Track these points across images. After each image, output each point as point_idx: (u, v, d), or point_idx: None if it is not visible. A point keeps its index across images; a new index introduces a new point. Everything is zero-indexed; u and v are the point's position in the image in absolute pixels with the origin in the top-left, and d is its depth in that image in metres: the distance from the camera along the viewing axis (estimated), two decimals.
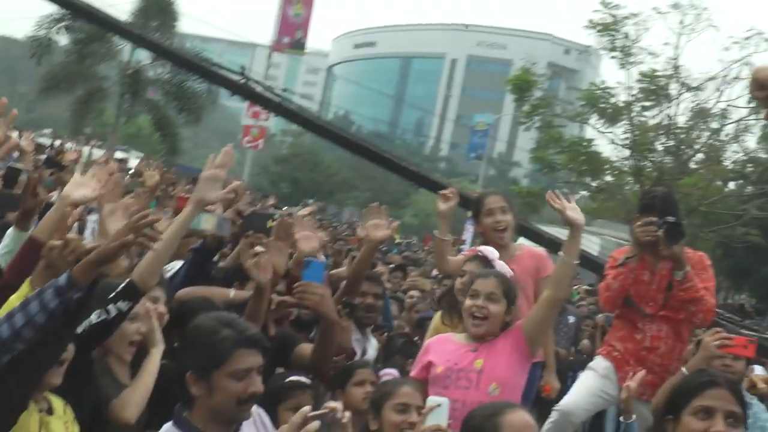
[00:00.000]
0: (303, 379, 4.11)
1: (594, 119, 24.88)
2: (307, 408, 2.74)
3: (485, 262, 5.10)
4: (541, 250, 6.57)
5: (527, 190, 27.03)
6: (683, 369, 4.81)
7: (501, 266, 5.03)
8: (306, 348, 4.71)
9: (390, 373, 4.76)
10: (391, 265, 11.14)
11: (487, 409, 3.32)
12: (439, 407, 3.63)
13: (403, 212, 47.91)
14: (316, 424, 2.68)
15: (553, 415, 5.43)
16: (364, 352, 5.67)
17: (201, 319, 3.11)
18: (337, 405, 2.91)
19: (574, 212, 4.53)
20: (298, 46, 40.85)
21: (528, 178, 50.96)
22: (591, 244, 22.62)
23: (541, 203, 27.66)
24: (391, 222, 5.38)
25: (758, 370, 9.22)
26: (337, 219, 40.89)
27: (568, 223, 4.54)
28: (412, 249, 15.55)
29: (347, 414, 2.96)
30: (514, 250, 5.69)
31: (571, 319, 9.13)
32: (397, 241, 19.97)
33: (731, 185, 28.68)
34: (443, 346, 4.46)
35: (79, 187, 4.12)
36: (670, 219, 5.25)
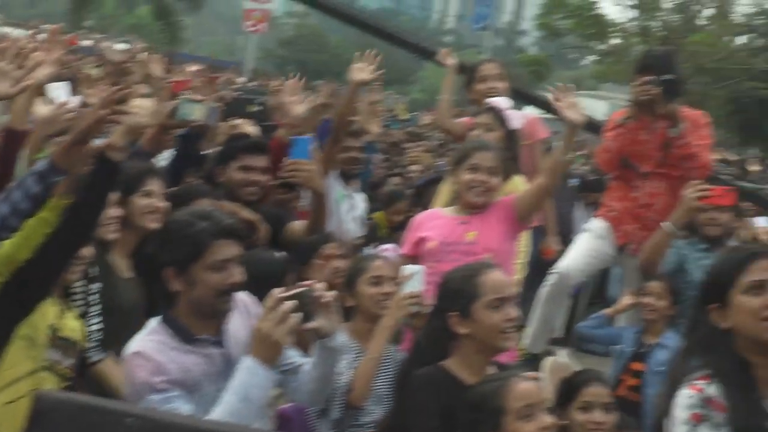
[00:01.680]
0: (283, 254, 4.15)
1: None
2: (279, 290, 2.75)
3: (497, 113, 5.10)
4: (533, 114, 6.57)
5: (533, 58, 26.75)
6: (663, 224, 4.84)
7: (514, 115, 5.04)
8: (297, 225, 4.75)
9: (388, 248, 4.80)
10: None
11: (464, 271, 3.36)
12: (415, 275, 3.69)
13: (411, 88, 47.53)
14: (289, 304, 2.70)
15: (551, 278, 5.51)
16: (352, 207, 5.71)
17: (176, 214, 3.10)
18: (315, 282, 2.94)
19: (574, 112, 4.47)
20: None
21: (536, 46, 50.22)
22: (599, 107, 22.50)
23: (547, 71, 27.43)
24: (377, 70, 5.35)
25: (762, 221, 9.29)
26: None
27: (567, 122, 4.49)
28: (418, 124, 15.40)
29: (330, 293, 2.99)
30: None
31: (573, 182, 9.13)
32: (405, 117, 19.87)
33: (740, 40, 28.22)
34: (433, 221, 4.49)
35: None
36: (667, 77, 5.22)
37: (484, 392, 2.95)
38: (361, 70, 5.29)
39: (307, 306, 2.83)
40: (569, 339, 7.53)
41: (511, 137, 4.98)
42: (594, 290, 8.90)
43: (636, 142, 5.43)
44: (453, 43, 67.52)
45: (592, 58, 29.48)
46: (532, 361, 5.35)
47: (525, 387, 2.92)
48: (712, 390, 2.54)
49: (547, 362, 5.22)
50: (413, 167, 9.33)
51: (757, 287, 2.62)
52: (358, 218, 5.74)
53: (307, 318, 2.83)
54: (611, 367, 5.07)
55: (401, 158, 10.31)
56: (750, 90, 24.28)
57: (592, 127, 6.76)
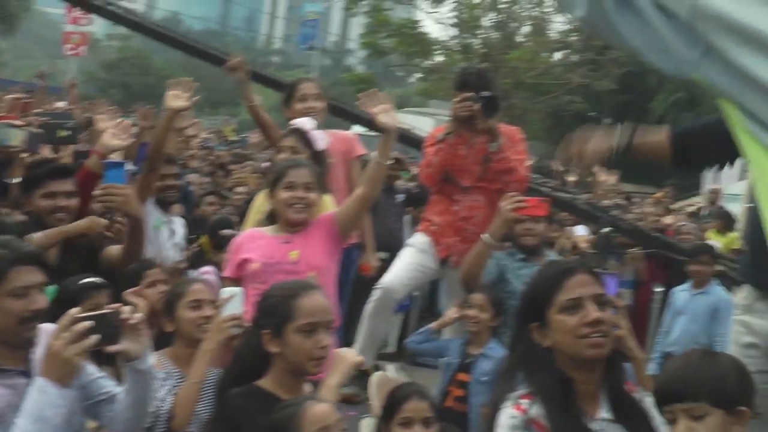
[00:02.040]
0: (97, 279, 4.01)
1: (420, 0, 24.89)
2: (75, 309, 2.69)
3: (302, 135, 5.08)
4: (349, 132, 6.61)
5: (359, 77, 27.01)
6: (482, 236, 4.94)
7: (317, 136, 5.02)
8: (113, 249, 4.60)
9: (208, 271, 4.70)
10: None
11: (282, 290, 3.31)
12: (234, 297, 3.63)
13: (240, 109, 47.15)
14: (85, 324, 2.63)
15: (376, 293, 5.54)
16: (172, 233, 5.65)
17: None
18: (122, 306, 2.85)
19: (387, 117, 4.52)
20: None
21: (363, 64, 50.90)
22: (426, 124, 22.91)
23: (373, 89, 27.83)
24: (193, 96, 5.25)
25: (581, 230, 9.66)
26: None
27: (381, 127, 4.52)
28: (245, 146, 15.25)
29: (138, 315, 2.90)
30: None
31: (400, 197, 9.22)
32: (233, 138, 19.70)
33: (557, 56, 29.41)
34: (255, 242, 4.43)
35: None
36: (486, 93, 5.36)
37: (280, 418, 2.90)
38: (177, 97, 5.16)
39: (115, 328, 2.75)
40: (402, 353, 7.60)
41: (317, 158, 4.97)
42: (425, 304, 9.03)
43: (456, 156, 5.53)
44: (281, 64, 67.58)
45: (417, 75, 30.06)
46: (361, 377, 5.35)
47: (319, 410, 2.88)
48: (535, 410, 2.58)
49: (375, 377, 5.21)
50: (239, 189, 9.21)
51: (572, 306, 2.67)
52: (177, 244, 5.64)
53: (113, 341, 2.76)
54: (440, 379, 5.12)
55: (226, 180, 10.18)
56: (567, 104, 25.34)
57: (418, 143, 6.87)
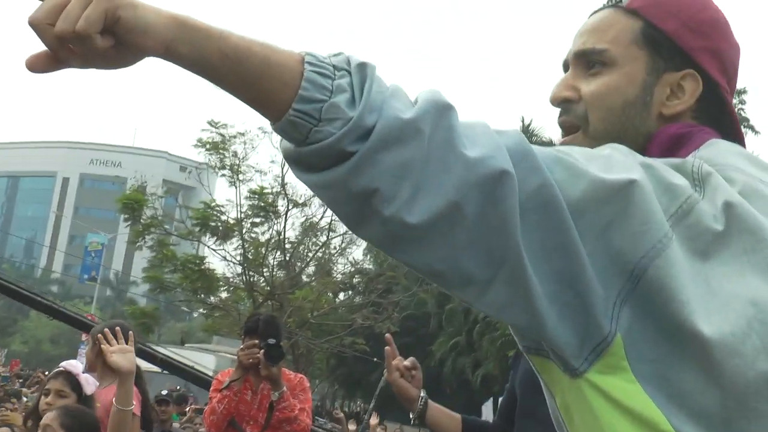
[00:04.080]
0: None
1: (207, 237, 24.97)
2: None
3: (69, 377, 4.78)
4: None
5: (142, 311, 26.38)
6: None
7: (86, 379, 4.74)
8: None
9: None
10: None
11: None
12: None
13: (11, 340, 44.99)
14: None
15: None
16: None
17: None
18: None
19: (120, 356, 4.30)
20: None
21: (146, 297, 50.20)
22: (208, 361, 22.44)
23: (156, 323, 27.14)
24: None
25: None
26: None
27: (115, 368, 4.31)
28: (15, 380, 14.34)
29: None
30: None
31: None
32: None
33: (341, 296, 30.00)
34: None
35: None
36: (271, 341, 5.34)
37: None
38: None
39: None
40: None
41: (85, 402, 4.69)
42: None
43: (242, 402, 5.41)
44: (59, 294, 65.50)
45: (201, 311, 29.71)
46: None
47: None
48: None
49: None
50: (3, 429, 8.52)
51: None
52: None
53: None
54: None
55: None
56: (350, 345, 25.61)
57: (201, 381, 6.65)
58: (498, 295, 1.23)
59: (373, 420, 10.83)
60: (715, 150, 1.44)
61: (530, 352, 1.37)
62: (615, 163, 1.28)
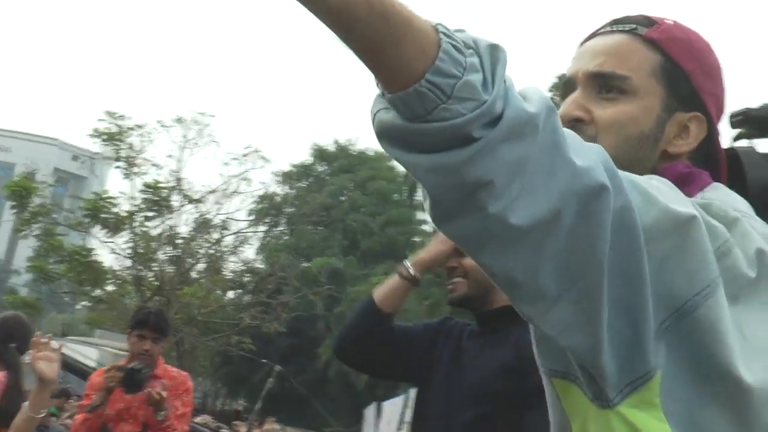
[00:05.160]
0: None
1: (97, 229, 24.51)
2: None
3: None
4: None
5: (22, 300, 25.74)
6: None
7: None
8: None
9: None
10: None
11: None
12: None
13: None
14: None
15: None
16: None
17: None
18: None
19: (46, 365, 4.21)
20: None
21: (27, 287, 48.82)
22: (90, 353, 22.03)
23: (38, 314, 26.50)
24: None
25: None
26: None
27: (38, 376, 4.23)
28: None
29: None
30: None
31: None
32: None
33: (230, 294, 29.83)
34: None
35: None
36: (136, 366, 5.28)
37: None
38: None
39: None
40: None
41: None
42: None
43: (120, 401, 5.36)
44: None
45: (85, 303, 29.14)
46: None
47: None
48: None
49: None
50: None
51: None
52: None
53: None
54: None
55: None
56: (237, 344, 25.50)
57: (82, 373, 6.60)
58: (563, 315, 1.18)
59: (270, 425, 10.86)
60: (722, 194, 1.43)
61: (555, 375, 1.34)
62: (671, 196, 1.26)
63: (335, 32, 1.06)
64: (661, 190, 1.25)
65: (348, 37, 1.06)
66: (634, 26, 1.52)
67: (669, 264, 1.20)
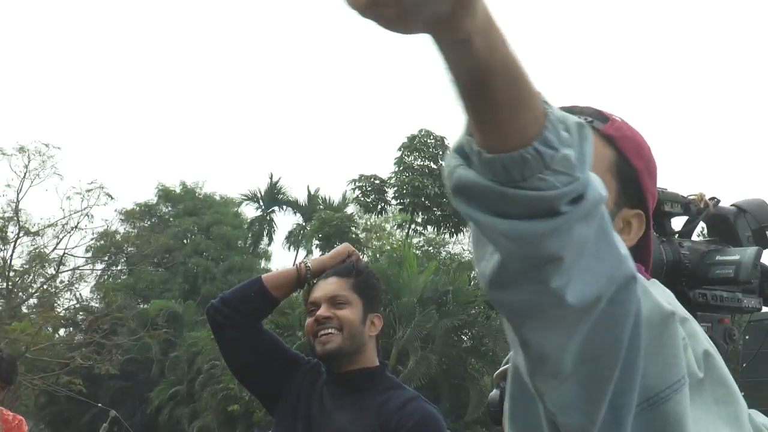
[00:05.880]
0: None
1: None
2: None
3: None
4: None
5: None
6: None
7: None
8: None
9: None
10: None
11: None
12: None
13: None
14: None
15: None
16: None
17: None
18: None
19: None
20: None
21: None
22: None
23: None
24: None
25: None
26: None
27: None
28: None
29: None
30: None
31: None
32: None
33: (61, 332, 28.88)
34: None
35: None
36: None
37: None
38: None
39: None
40: None
41: None
42: None
43: None
44: None
45: None
46: None
47: None
48: None
49: None
50: None
51: None
52: None
53: None
54: None
55: None
56: (67, 384, 24.65)
57: None
58: (567, 393, 1.18)
59: None
60: (661, 291, 1.44)
61: None
62: (654, 290, 1.30)
63: (464, 85, 1.02)
64: (646, 283, 1.30)
65: (476, 92, 1.03)
66: (590, 119, 1.52)
67: (649, 355, 1.21)
